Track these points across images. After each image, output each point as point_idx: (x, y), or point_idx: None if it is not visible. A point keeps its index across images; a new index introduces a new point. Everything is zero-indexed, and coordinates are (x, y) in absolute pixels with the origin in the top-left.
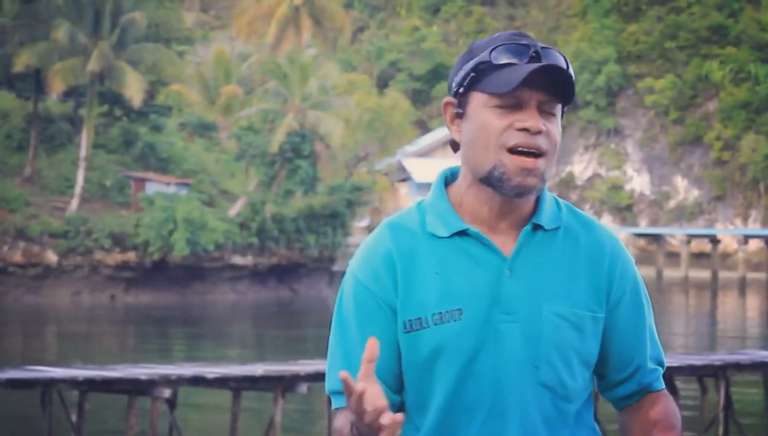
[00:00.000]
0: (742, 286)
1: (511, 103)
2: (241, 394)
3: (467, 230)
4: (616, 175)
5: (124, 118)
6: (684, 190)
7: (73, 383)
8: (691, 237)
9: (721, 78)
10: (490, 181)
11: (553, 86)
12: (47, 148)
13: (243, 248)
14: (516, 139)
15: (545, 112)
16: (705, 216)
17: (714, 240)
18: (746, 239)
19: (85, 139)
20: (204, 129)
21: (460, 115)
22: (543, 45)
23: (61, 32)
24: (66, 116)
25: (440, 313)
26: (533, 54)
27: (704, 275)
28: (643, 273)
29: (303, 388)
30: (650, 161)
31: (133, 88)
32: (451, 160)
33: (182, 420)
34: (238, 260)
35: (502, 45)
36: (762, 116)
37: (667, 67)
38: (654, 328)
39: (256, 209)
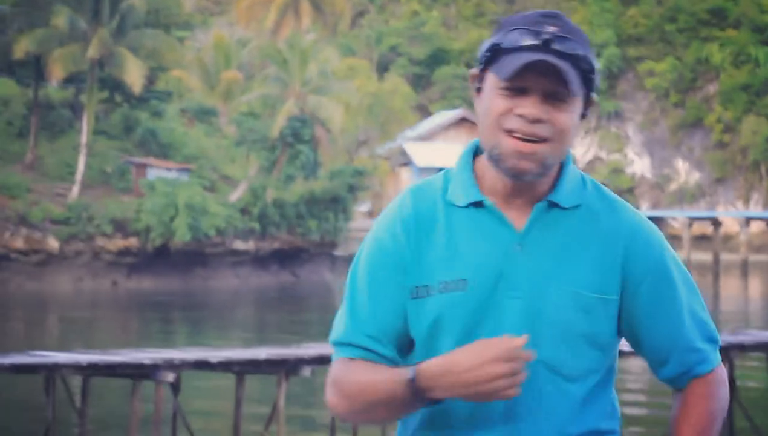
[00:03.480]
0: (744, 268)
1: (518, 87)
2: (245, 378)
3: (482, 201)
4: (616, 159)
5: (125, 104)
6: (685, 172)
7: (76, 367)
8: (692, 220)
9: (721, 60)
10: (491, 159)
11: (561, 75)
12: (48, 135)
13: (244, 234)
14: (512, 123)
15: (554, 100)
16: (706, 199)
17: (715, 222)
18: (748, 221)
19: (85, 125)
20: (204, 114)
21: (479, 90)
22: (563, 33)
23: (61, 19)
24: (66, 103)
25: (446, 282)
26: (544, 41)
27: (706, 257)
28: None
29: (306, 371)
30: (651, 144)
31: (134, 75)
32: (454, 145)
33: (186, 404)
34: (239, 245)
35: (517, 28)
36: (762, 98)
37: (667, 50)
38: (698, 306)
39: (257, 195)
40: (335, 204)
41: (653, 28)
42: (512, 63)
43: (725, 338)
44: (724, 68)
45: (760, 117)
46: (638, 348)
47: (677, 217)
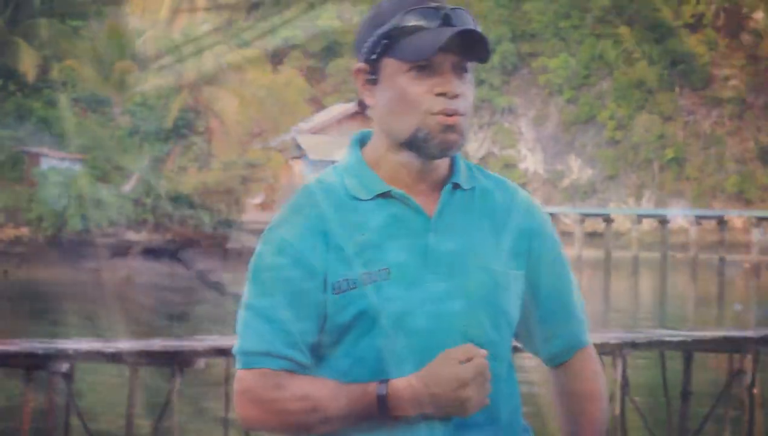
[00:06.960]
0: (635, 265)
1: (426, 67)
2: (139, 369)
3: (390, 191)
4: (509, 154)
5: (18, 93)
6: (577, 169)
7: None
8: (584, 216)
9: (615, 57)
10: (413, 144)
11: (464, 47)
12: None
13: (137, 225)
14: (438, 105)
15: (459, 72)
16: (598, 195)
17: (607, 219)
18: (639, 218)
19: None
20: (98, 104)
21: (373, 82)
22: (452, 6)
23: None
24: None
25: (368, 273)
26: (444, 16)
27: (597, 254)
28: None
29: (201, 363)
30: (544, 140)
31: (27, 64)
32: (346, 138)
33: (79, 396)
34: (132, 236)
35: (412, 9)
36: (655, 96)
37: (561, 46)
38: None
39: (150, 185)
40: (228, 196)
41: (547, 24)
42: (425, 43)
43: (619, 335)
44: (617, 65)
45: (652, 115)
46: (528, 325)
47: (569, 213)
